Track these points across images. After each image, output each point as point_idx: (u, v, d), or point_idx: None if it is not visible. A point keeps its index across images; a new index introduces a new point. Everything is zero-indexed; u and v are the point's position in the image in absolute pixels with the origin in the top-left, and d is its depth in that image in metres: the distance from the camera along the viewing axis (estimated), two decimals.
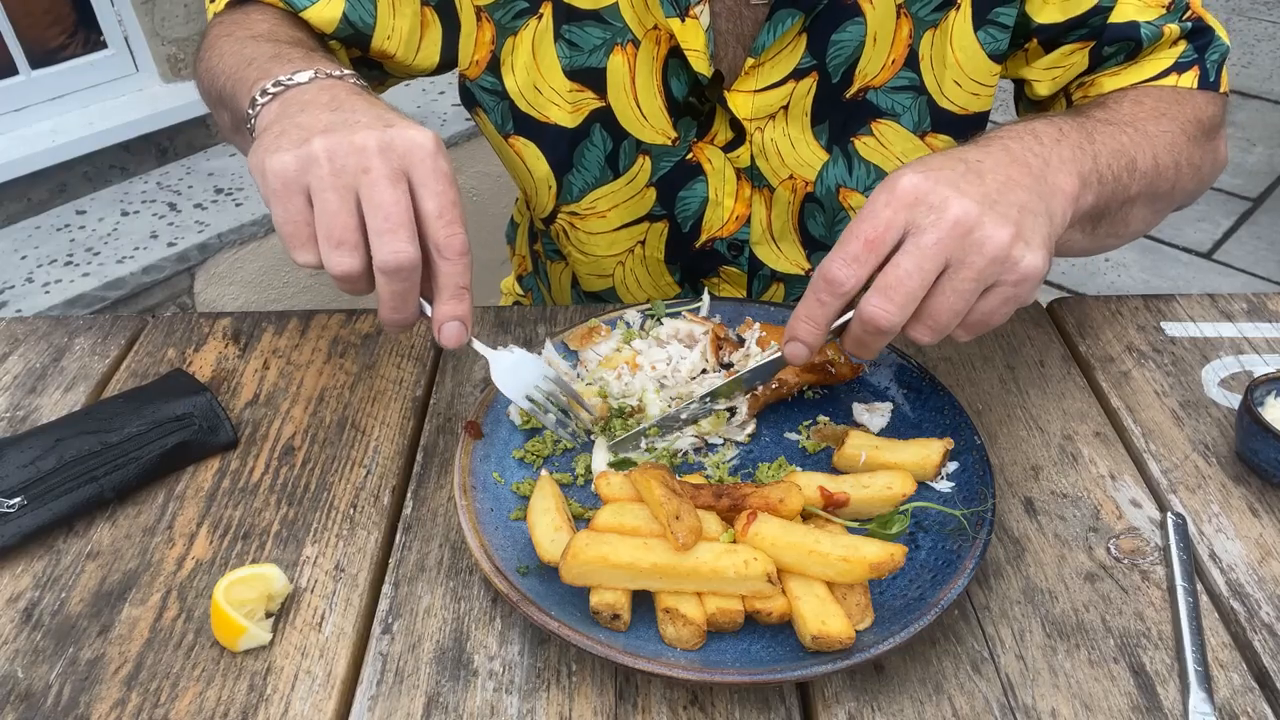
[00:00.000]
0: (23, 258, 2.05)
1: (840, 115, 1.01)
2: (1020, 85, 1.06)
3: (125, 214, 2.20)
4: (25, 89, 2.16)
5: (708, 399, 0.84)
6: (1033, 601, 0.73)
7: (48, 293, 1.94)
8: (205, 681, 0.68)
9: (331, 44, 1.01)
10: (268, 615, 0.72)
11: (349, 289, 0.70)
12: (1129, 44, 0.95)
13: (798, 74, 0.98)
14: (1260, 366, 0.96)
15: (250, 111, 0.76)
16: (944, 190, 0.67)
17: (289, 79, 0.75)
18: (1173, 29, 0.94)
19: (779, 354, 0.77)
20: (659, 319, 0.95)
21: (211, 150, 2.44)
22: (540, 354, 0.90)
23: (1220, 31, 0.97)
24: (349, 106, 0.72)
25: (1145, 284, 3.00)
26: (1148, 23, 0.94)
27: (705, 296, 0.97)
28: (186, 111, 2.29)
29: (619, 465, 0.82)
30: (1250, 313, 1.04)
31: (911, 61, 0.97)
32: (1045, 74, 1.00)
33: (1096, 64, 0.97)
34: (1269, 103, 4.01)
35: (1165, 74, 0.95)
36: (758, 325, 0.91)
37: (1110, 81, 0.97)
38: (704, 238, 1.10)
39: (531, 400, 0.80)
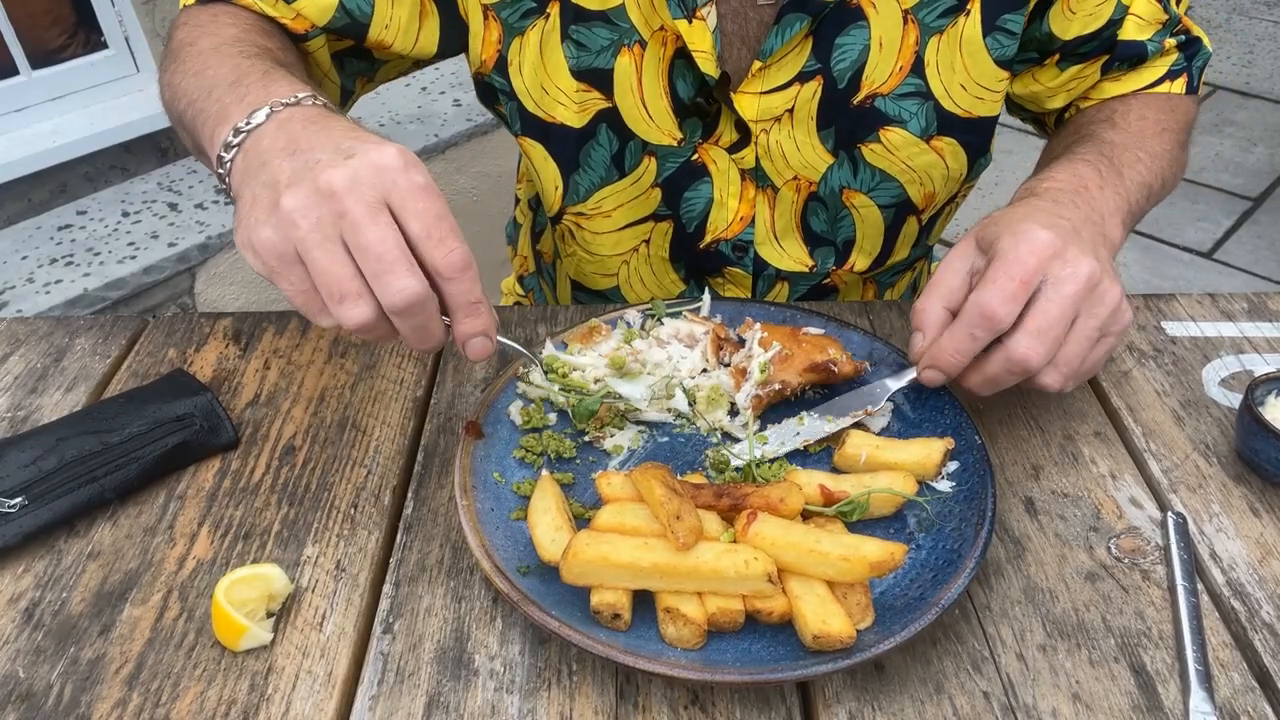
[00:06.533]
0: (23, 258, 2.05)
1: (848, 122, 1.01)
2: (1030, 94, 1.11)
3: (126, 214, 2.20)
4: (26, 89, 2.16)
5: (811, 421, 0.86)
6: (1033, 601, 0.74)
7: (48, 293, 1.94)
8: (206, 681, 0.68)
9: (310, 44, 0.98)
10: (269, 615, 0.72)
11: (372, 337, 0.68)
12: (1134, 59, 1.04)
13: (802, 77, 0.98)
14: (1261, 366, 0.96)
15: (220, 171, 0.73)
16: (1073, 248, 0.75)
17: (246, 124, 0.71)
18: (1171, 43, 1.05)
19: (901, 383, 0.85)
20: (659, 319, 0.95)
21: None
22: (540, 352, 0.90)
23: (1205, 40, 1.08)
24: (305, 144, 0.67)
25: (1145, 283, 3.00)
26: (1149, 39, 1.03)
27: (706, 296, 0.97)
28: None
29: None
30: (1251, 312, 1.04)
31: (917, 67, 0.98)
32: (1060, 89, 1.07)
33: (1103, 74, 1.06)
34: (1269, 102, 4.00)
35: (1160, 81, 1.06)
36: (758, 325, 0.91)
37: (1112, 87, 1.07)
38: (708, 239, 1.10)
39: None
